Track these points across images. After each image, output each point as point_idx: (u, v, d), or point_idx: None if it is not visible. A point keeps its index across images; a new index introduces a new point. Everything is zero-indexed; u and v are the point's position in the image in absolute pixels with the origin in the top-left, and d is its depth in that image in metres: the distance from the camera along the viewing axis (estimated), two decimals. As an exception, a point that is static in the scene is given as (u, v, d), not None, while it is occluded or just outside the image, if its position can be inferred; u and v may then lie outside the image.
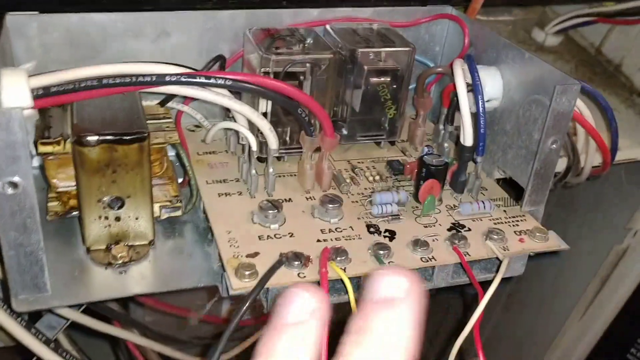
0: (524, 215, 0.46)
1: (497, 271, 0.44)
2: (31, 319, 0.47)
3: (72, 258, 0.41)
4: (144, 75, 0.39)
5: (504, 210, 0.46)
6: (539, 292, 0.85)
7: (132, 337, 0.58)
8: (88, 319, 0.53)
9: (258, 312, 0.67)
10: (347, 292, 0.39)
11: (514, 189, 0.49)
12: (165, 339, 0.60)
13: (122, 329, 0.58)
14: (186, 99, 0.50)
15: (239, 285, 0.37)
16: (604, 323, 0.79)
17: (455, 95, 0.49)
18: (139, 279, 0.40)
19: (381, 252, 0.40)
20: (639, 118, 0.69)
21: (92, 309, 0.54)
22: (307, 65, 0.46)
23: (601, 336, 0.81)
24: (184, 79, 0.39)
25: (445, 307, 1.08)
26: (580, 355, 0.82)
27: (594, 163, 0.56)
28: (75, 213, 0.42)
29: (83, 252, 0.42)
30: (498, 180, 0.51)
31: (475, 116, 0.46)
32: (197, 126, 0.53)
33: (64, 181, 0.41)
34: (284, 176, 0.47)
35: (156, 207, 0.43)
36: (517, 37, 0.77)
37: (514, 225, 0.45)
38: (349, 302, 0.38)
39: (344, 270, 0.39)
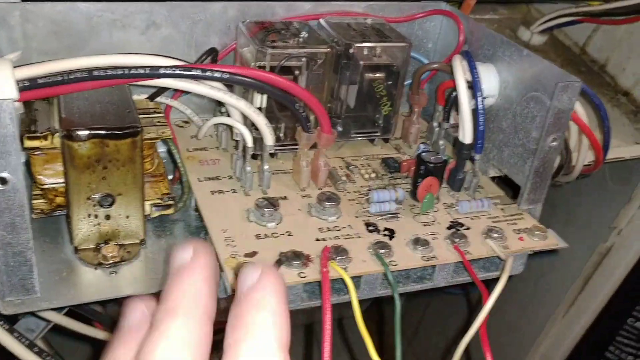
0: (521, 214, 0.46)
1: (496, 270, 0.43)
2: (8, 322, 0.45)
3: (60, 258, 0.39)
4: (137, 67, 0.37)
5: (502, 209, 0.46)
6: (522, 291, 0.85)
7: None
8: (69, 320, 0.51)
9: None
10: (347, 292, 0.38)
11: (509, 187, 0.49)
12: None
13: (104, 330, 0.56)
14: (175, 93, 0.48)
15: (238, 285, 0.35)
16: (586, 321, 0.79)
17: (452, 92, 0.48)
18: (131, 280, 0.39)
19: (382, 251, 0.39)
20: (624, 117, 0.69)
21: (73, 310, 0.52)
22: (303, 59, 0.44)
23: (583, 335, 0.81)
24: (179, 72, 0.38)
25: (423, 307, 1.08)
26: (563, 353, 0.82)
27: (585, 161, 0.56)
28: (61, 211, 0.40)
29: (71, 251, 0.40)
30: (492, 178, 0.51)
31: (473, 113, 0.45)
32: (185, 122, 0.51)
33: (51, 178, 0.39)
34: (277, 173, 0.46)
35: (147, 205, 0.41)
36: (503, 35, 0.76)
37: (512, 224, 0.44)
38: (350, 302, 0.37)
39: (345, 269, 0.38)
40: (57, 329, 0.53)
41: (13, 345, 0.41)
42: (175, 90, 0.46)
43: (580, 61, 0.76)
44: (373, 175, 0.47)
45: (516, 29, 0.78)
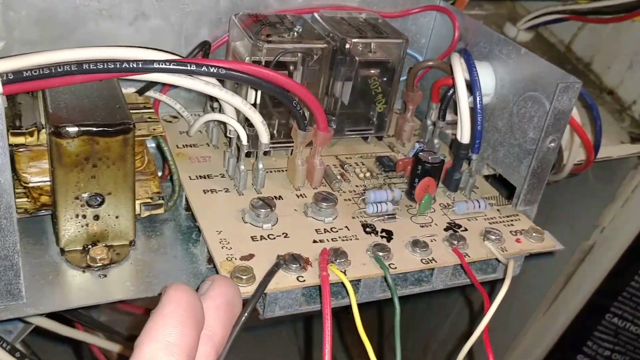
0: (517, 215, 0.45)
1: (493, 272, 0.43)
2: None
3: (45, 260, 0.38)
4: (129, 61, 0.35)
5: (498, 210, 0.45)
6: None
7: (98, 340, 0.54)
8: (51, 322, 0.49)
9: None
10: (345, 296, 0.38)
11: (502, 186, 0.49)
12: (133, 341, 0.56)
13: (85, 332, 0.54)
14: (164, 87, 0.46)
15: (236, 290, 0.34)
16: (566, 319, 0.80)
17: (448, 90, 0.48)
18: (121, 283, 0.37)
19: (381, 253, 0.38)
20: (609, 116, 0.70)
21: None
22: (299, 54, 0.43)
23: (562, 332, 0.82)
24: (174, 66, 0.36)
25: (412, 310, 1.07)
26: (542, 350, 0.83)
27: (575, 160, 0.56)
28: (46, 211, 0.39)
29: (56, 253, 0.38)
30: (486, 177, 0.50)
31: (471, 113, 0.44)
32: (174, 117, 0.49)
33: (36, 176, 0.37)
34: (270, 172, 0.45)
35: (136, 204, 0.39)
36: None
37: (509, 225, 0.44)
38: (349, 307, 0.36)
39: (344, 273, 0.37)
40: (35, 330, 0.51)
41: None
42: (164, 84, 0.44)
43: (565, 59, 0.76)
44: (368, 174, 0.46)
45: (502, 25, 0.77)
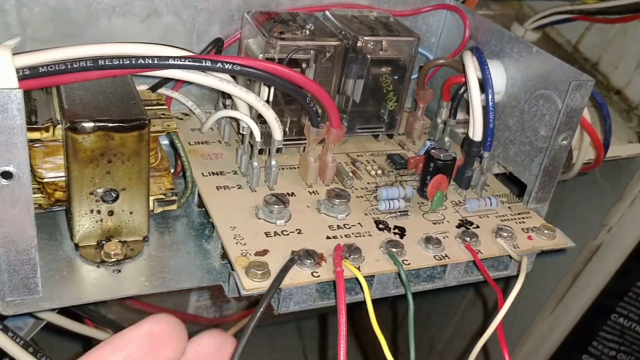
0: (528, 212, 0.45)
1: (504, 269, 0.43)
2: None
3: (59, 255, 0.38)
4: (144, 57, 0.35)
5: (509, 207, 0.45)
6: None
7: (107, 337, 0.54)
8: (62, 319, 0.49)
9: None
10: (359, 291, 0.38)
11: (513, 184, 0.49)
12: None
13: (95, 328, 0.54)
14: (176, 84, 0.46)
15: (251, 285, 0.34)
16: (572, 319, 0.80)
17: (459, 88, 0.48)
18: (135, 279, 0.37)
19: (394, 249, 0.38)
20: (617, 116, 0.70)
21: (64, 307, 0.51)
22: (312, 52, 0.43)
23: (568, 331, 0.82)
24: (189, 63, 0.36)
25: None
26: (548, 349, 0.83)
27: (584, 159, 0.56)
28: (60, 207, 0.39)
29: (71, 248, 0.38)
30: (496, 175, 0.50)
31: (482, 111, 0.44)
32: (185, 114, 0.49)
33: (51, 171, 0.37)
34: (282, 169, 0.45)
35: (150, 200, 0.40)
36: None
37: (520, 223, 0.44)
38: (363, 302, 0.36)
39: (359, 268, 0.37)
40: (43, 327, 0.51)
41: (8, 345, 0.39)
42: (177, 81, 0.45)
43: (572, 59, 0.76)
44: (379, 171, 0.46)
45: (509, 25, 0.78)
